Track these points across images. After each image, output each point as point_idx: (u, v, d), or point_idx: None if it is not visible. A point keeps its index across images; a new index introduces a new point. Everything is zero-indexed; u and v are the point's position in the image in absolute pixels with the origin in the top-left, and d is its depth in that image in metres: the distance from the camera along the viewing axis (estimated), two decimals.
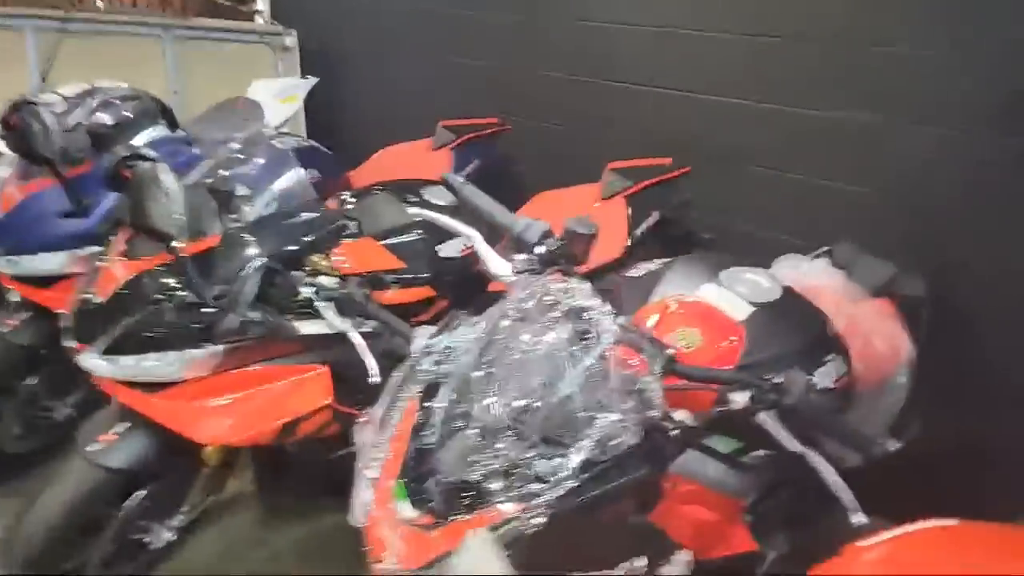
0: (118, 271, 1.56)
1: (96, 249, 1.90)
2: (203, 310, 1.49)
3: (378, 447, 1.08)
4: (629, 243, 2.25)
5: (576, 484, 0.94)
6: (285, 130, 3.21)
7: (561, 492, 0.93)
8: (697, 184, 2.57)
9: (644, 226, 2.34)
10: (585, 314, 1.04)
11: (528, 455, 0.96)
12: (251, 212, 1.68)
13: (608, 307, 1.06)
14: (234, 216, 1.67)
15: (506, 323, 1.06)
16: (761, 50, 2.51)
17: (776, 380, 1.08)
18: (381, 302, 1.73)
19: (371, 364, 1.53)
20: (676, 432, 1.08)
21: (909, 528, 0.74)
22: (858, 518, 1.07)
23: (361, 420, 1.14)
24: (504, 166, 3.06)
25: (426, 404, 1.07)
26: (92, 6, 4.23)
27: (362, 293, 1.67)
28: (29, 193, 2.04)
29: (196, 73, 4.04)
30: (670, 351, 1.14)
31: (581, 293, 1.06)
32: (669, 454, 1.11)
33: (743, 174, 2.56)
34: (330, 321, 1.66)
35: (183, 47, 4.01)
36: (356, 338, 1.64)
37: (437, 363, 1.10)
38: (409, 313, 1.79)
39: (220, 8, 4.63)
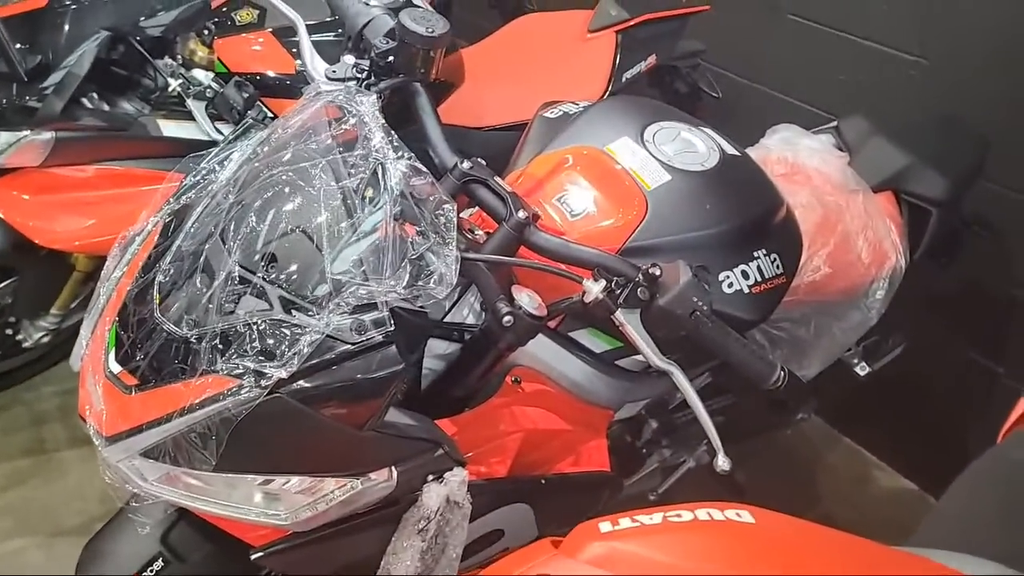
0: None
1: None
2: (22, 84, 1.23)
3: (109, 280, 0.84)
4: (610, 88, 1.88)
5: (308, 365, 0.69)
6: None
7: (287, 372, 0.69)
8: (717, 31, 2.13)
9: (634, 71, 1.96)
10: (370, 148, 0.74)
11: (259, 318, 0.71)
12: None
13: (394, 146, 0.75)
14: None
15: (273, 142, 0.77)
16: None
17: (651, 270, 0.79)
18: (275, 113, 1.46)
19: None
20: (508, 319, 0.81)
21: (677, 513, 0.48)
22: (722, 463, 0.82)
23: (116, 243, 0.89)
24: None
25: (165, 233, 0.81)
26: None
27: (243, 96, 1.39)
28: None
29: None
30: (522, 214, 0.85)
31: (377, 128, 0.75)
32: (497, 343, 0.85)
33: (775, 24, 2.08)
34: (200, 124, 1.40)
35: None
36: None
37: (201, 180, 0.83)
38: None
39: None
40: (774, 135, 1.53)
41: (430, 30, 0.83)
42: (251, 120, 1.22)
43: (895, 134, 1.49)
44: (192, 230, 0.78)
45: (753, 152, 1.40)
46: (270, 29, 1.51)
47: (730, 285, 0.96)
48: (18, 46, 1.23)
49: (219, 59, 1.46)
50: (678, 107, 2.13)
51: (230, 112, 1.40)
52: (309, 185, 0.74)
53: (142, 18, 1.34)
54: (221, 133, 1.42)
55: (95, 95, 1.40)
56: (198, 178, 0.84)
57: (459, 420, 0.92)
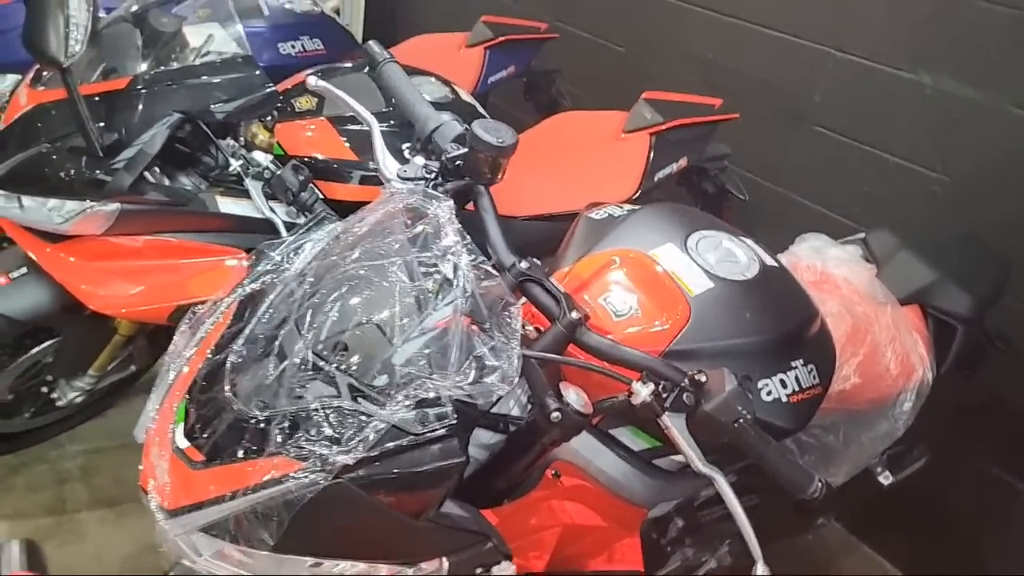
0: (22, 98, 1.38)
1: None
2: (95, 160, 1.30)
3: (179, 357, 0.88)
4: (642, 186, 1.96)
5: (375, 454, 0.72)
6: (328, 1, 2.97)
7: (352, 459, 0.71)
8: (745, 136, 2.23)
9: (666, 171, 2.04)
10: (443, 248, 0.79)
11: (327, 405, 0.74)
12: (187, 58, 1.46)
13: (468, 248, 0.80)
14: (173, 59, 1.47)
15: (349, 237, 0.83)
16: None
17: (697, 376, 0.83)
18: (330, 196, 1.53)
19: None
20: (557, 415, 0.84)
21: None
22: (761, 570, 0.83)
23: (188, 313, 0.93)
24: (542, 78, 2.75)
25: (241, 315, 0.86)
26: None
27: (298, 179, 1.46)
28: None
29: None
30: (575, 314, 0.89)
31: (452, 229, 0.81)
32: (543, 437, 0.88)
33: (800, 134, 2.18)
34: (255, 202, 1.47)
35: None
36: (280, 226, 1.45)
37: (274, 268, 0.88)
38: None
39: None
40: (803, 243, 1.58)
41: (500, 140, 0.89)
42: (324, 213, 1.28)
43: (922, 249, 1.55)
44: (266, 315, 0.83)
45: (782, 258, 1.46)
46: (326, 116, 1.59)
47: (769, 393, 0.99)
48: (97, 124, 1.31)
49: (278, 142, 1.53)
50: (706, 208, 2.22)
51: (285, 193, 1.47)
52: (383, 280, 0.79)
53: (212, 103, 1.42)
54: (275, 212, 1.48)
55: (158, 169, 1.47)
56: (271, 265, 0.89)
57: (499, 511, 0.94)
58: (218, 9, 1.53)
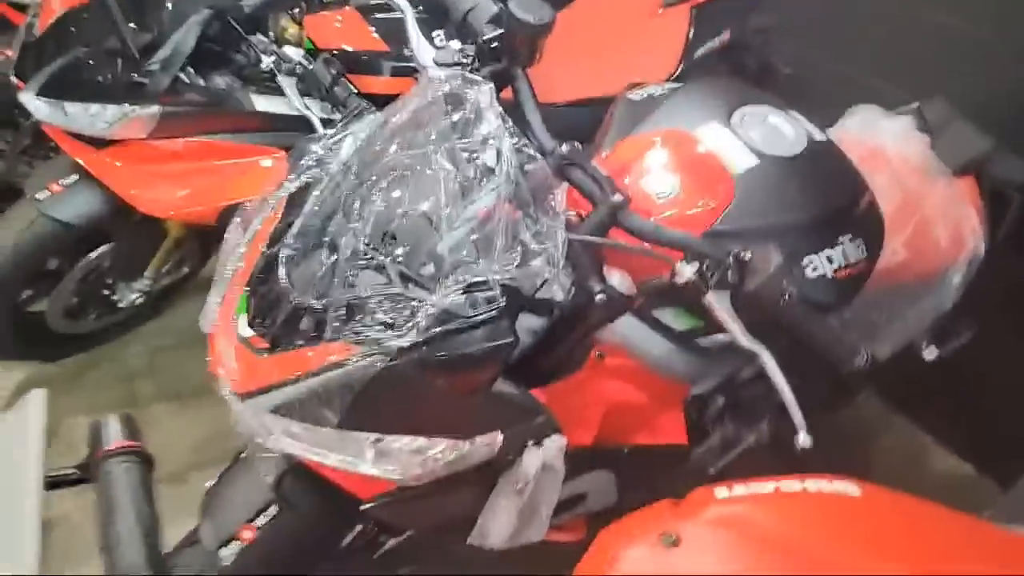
0: (54, 2, 1.37)
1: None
2: (131, 62, 1.30)
3: (237, 249, 0.91)
4: (681, 64, 1.89)
5: (427, 337, 0.75)
6: None
7: (407, 342, 0.75)
8: (791, 3, 2.10)
9: (707, 47, 1.95)
10: (485, 134, 0.78)
11: (380, 292, 0.77)
12: None
13: (509, 133, 0.79)
14: None
15: (390, 127, 0.82)
16: None
17: (742, 254, 0.83)
18: (361, 89, 1.51)
19: None
20: (601, 297, 0.86)
21: (788, 483, 0.52)
22: (803, 439, 0.86)
23: (236, 215, 0.96)
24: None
25: (291, 208, 0.88)
26: None
27: (331, 73, 1.44)
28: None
29: None
30: (617, 196, 0.89)
31: (492, 112, 0.80)
32: (587, 320, 0.90)
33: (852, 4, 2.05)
34: (290, 99, 1.46)
35: None
36: (315, 120, 1.45)
37: (316, 162, 0.89)
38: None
39: None
40: (854, 116, 1.52)
41: (538, 18, 0.86)
42: (362, 106, 1.27)
43: (976, 118, 1.48)
44: (315, 208, 0.84)
45: (832, 133, 1.41)
46: (354, 5, 1.55)
47: (814, 269, 0.99)
48: (129, 25, 1.30)
49: (308, 36, 1.51)
50: (749, 83, 2.12)
51: (318, 88, 1.45)
52: (427, 168, 0.79)
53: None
54: (309, 109, 1.47)
55: (192, 69, 1.46)
56: (315, 159, 0.89)
57: (547, 390, 0.97)
58: None
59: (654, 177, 1.03)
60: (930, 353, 1.66)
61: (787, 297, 0.82)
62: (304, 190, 0.88)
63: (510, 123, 0.81)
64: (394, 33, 1.54)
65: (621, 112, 1.18)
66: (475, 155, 0.79)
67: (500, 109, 0.81)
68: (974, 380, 1.92)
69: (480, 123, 0.80)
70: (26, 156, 1.94)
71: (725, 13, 1.96)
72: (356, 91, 1.49)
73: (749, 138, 1.04)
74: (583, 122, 1.32)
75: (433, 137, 0.80)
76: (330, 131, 0.93)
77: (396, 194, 0.80)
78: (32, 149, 1.94)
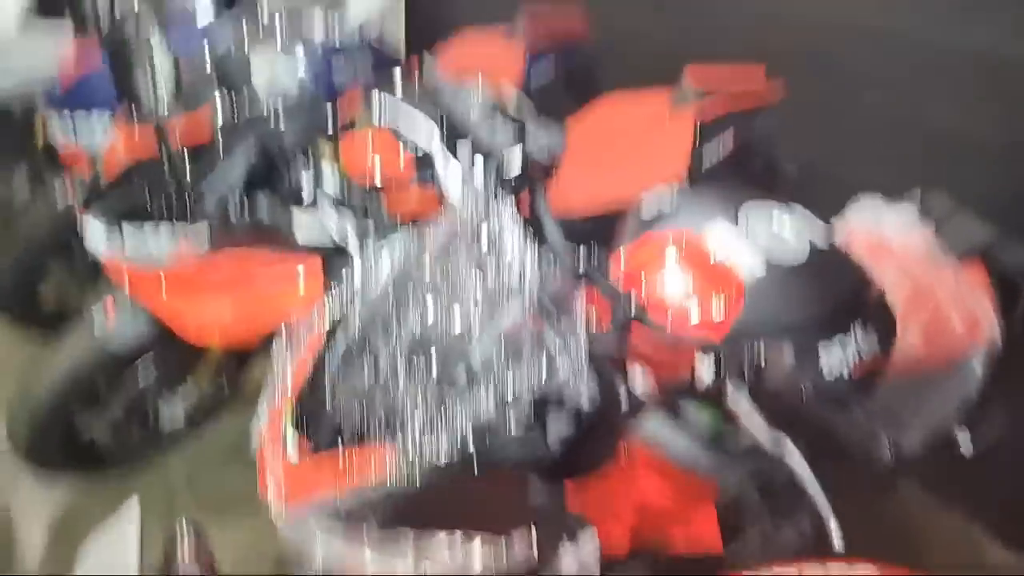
0: (120, 145, 1.52)
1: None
2: (186, 191, 1.42)
3: (284, 364, 0.98)
4: (689, 167, 1.99)
5: (462, 446, 0.80)
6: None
7: (444, 450, 0.80)
8: (793, 107, 2.22)
9: (713, 148, 2.06)
10: (507, 248, 0.86)
11: (418, 403, 0.83)
12: (260, 92, 1.58)
13: (530, 247, 0.87)
14: (238, 95, 1.58)
15: (422, 246, 0.90)
16: None
17: (757, 352, 0.88)
18: (392, 205, 1.61)
19: None
20: (624, 396, 0.91)
21: (810, 567, 0.55)
22: (836, 544, 0.88)
23: (281, 335, 1.03)
24: (589, 66, 2.77)
25: (329, 328, 0.95)
26: None
27: (364, 192, 1.56)
28: (83, 57, 2.02)
29: None
30: (632, 302, 0.95)
31: (504, 220, 0.88)
32: (613, 420, 0.94)
33: (853, 103, 2.17)
34: (327, 217, 1.57)
35: None
36: (353, 241, 1.55)
37: (356, 281, 0.97)
38: None
39: None
40: (857, 208, 1.59)
41: (549, 142, 0.96)
42: (395, 223, 1.36)
43: (978, 206, 1.54)
44: (355, 325, 0.91)
45: (837, 225, 1.47)
46: (385, 129, 1.68)
47: (830, 365, 1.03)
48: (185, 160, 1.43)
49: (343, 157, 1.63)
50: (756, 182, 2.22)
51: (353, 206, 1.56)
52: (457, 285, 0.86)
53: (280, 129, 1.53)
54: (345, 226, 1.58)
55: (239, 192, 1.58)
56: (353, 278, 0.97)
57: (578, 487, 1.00)
58: (276, 43, 1.64)
59: (667, 278, 1.09)
60: (965, 443, 1.66)
61: (805, 392, 0.86)
62: (346, 307, 0.96)
63: (529, 238, 0.88)
64: (424, 154, 1.66)
65: (634, 215, 1.25)
66: (500, 271, 0.86)
67: (519, 225, 0.89)
68: (1015, 468, 1.89)
69: (503, 240, 0.87)
70: (81, 282, 2.09)
71: (729, 117, 2.08)
72: (389, 208, 1.60)
73: (755, 240, 1.11)
74: (601, 226, 1.41)
75: (461, 255, 0.88)
76: (367, 250, 1.01)
77: (429, 310, 0.87)
78: (87, 275, 2.09)
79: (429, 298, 0.88)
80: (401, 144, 1.66)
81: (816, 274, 1.10)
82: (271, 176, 1.58)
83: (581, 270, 0.97)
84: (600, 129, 2.15)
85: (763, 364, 0.87)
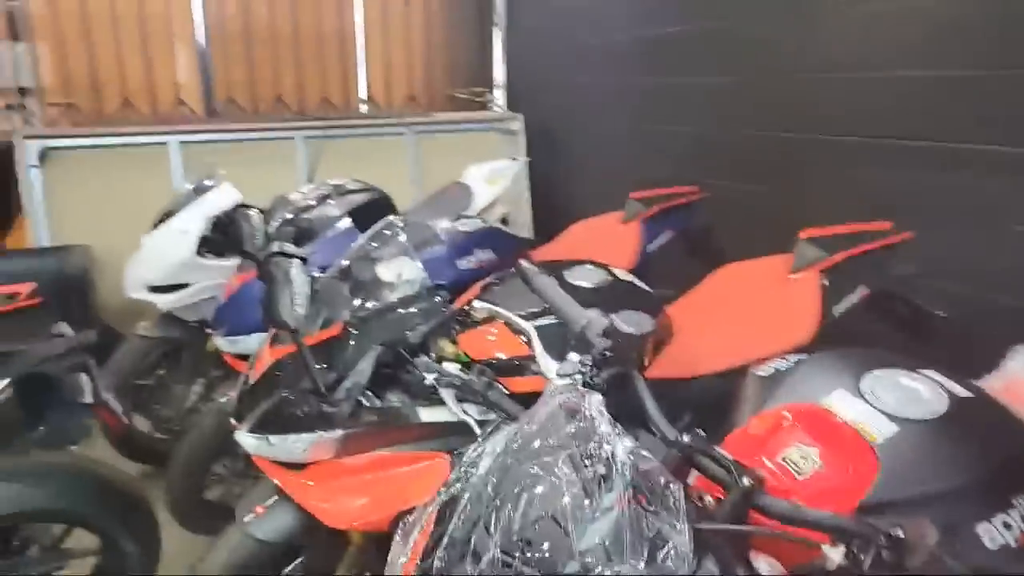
0: (265, 357, 1.70)
1: None
2: (321, 396, 1.55)
3: (395, 565, 0.99)
4: (819, 326, 1.91)
5: None
6: (496, 212, 3.35)
7: None
8: (934, 249, 2.11)
9: (845, 305, 1.97)
10: (599, 439, 0.86)
11: None
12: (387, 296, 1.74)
13: (619, 436, 0.86)
14: (374, 303, 1.75)
15: (520, 438, 0.92)
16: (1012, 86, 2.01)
17: (894, 531, 0.79)
18: (513, 390, 1.67)
19: None
20: None
21: None
22: None
23: (400, 525, 1.06)
24: (701, 235, 2.85)
25: (440, 522, 0.96)
26: (355, 112, 4.92)
27: (483, 380, 1.62)
28: (242, 283, 2.37)
29: (435, 162, 4.44)
30: (747, 480, 0.90)
31: (595, 412, 0.88)
32: None
33: (1000, 237, 2.03)
34: (451, 408, 1.64)
35: (425, 141, 4.44)
36: (474, 426, 1.60)
37: (463, 474, 0.99)
38: None
39: (459, 102, 5.10)
40: (1017, 355, 1.44)
41: (638, 330, 0.98)
42: (499, 418, 1.41)
43: None
44: (460, 519, 0.93)
45: (995, 378, 1.34)
46: (502, 320, 1.78)
47: (992, 539, 0.90)
48: (321, 366, 1.58)
49: (463, 351, 1.72)
50: (903, 332, 2.08)
51: (474, 395, 1.62)
52: (552, 475, 0.86)
53: (406, 331, 1.66)
54: (468, 414, 1.63)
55: (369, 392, 1.70)
56: (461, 471, 1.00)
57: None
58: (401, 246, 1.83)
59: (791, 452, 1.03)
60: None
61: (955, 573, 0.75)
62: (453, 501, 0.98)
63: (619, 428, 0.88)
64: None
65: (749, 388, 1.22)
66: (594, 459, 0.85)
67: (608, 416, 0.89)
68: None
69: (594, 430, 0.87)
70: (239, 481, 2.27)
71: (857, 271, 2.01)
72: (508, 392, 1.65)
73: (883, 404, 1.03)
74: (724, 393, 1.36)
75: (555, 445, 0.89)
76: (472, 445, 1.04)
77: (527, 501, 0.86)
78: (244, 475, 2.28)
79: (524, 487, 0.88)
80: (516, 333, 1.75)
81: (960, 429, 0.99)
82: (397, 370, 1.69)
83: (688, 447, 0.94)
84: (722, 294, 2.14)
85: (902, 542, 0.78)
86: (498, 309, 1.33)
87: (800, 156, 2.78)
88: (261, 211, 2.47)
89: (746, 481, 0.89)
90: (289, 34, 4.67)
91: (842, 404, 1.05)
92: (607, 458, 0.84)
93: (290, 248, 1.66)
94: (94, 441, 2.87)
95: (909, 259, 2.12)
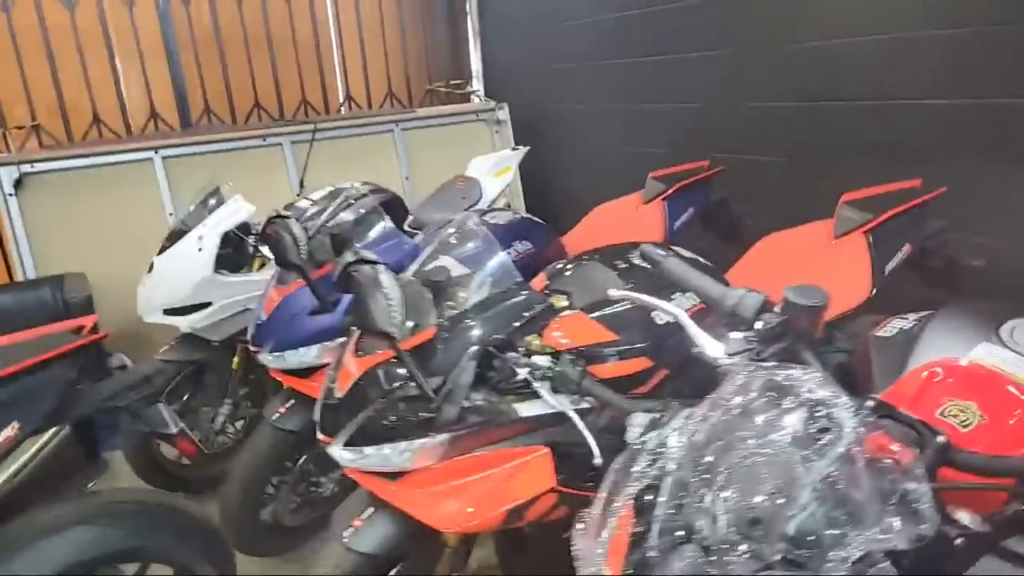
0: (352, 368, 1.67)
1: (342, 340, 2.07)
2: (425, 401, 1.54)
3: (594, 557, 1.00)
4: (874, 285, 1.97)
5: None
6: (500, 203, 3.34)
7: None
8: (966, 201, 2.20)
9: (894, 263, 2.05)
10: (820, 408, 0.88)
11: None
12: (466, 297, 1.73)
13: (845, 398, 0.88)
14: (451, 304, 1.73)
15: (723, 419, 0.93)
16: None
17: None
18: (599, 376, 1.68)
19: (592, 443, 1.49)
20: (961, 540, 0.87)
21: None
22: None
23: (578, 527, 1.07)
24: (722, 210, 2.90)
25: (642, 513, 0.97)
26: (337, 114, 4.83)
27: (576, 370, 1.63)
28: (284, 296, 2.31)
29: (423, 156, 4.40)
30: (940, 437, 0.93)
31: (812, 383, 0.90)
32: (955, 568, 0.90)
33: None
34: (547, 400, 1.64)
35: (411, 135, 4.39)
36: (574, 416, 1.60)
37: (651, 462, 1.00)
38: (629, 385, 1.71)
39: (440, 95, 5.05)
40: None
41: (816, 300, 1.00)
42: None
43: None
44: (667, 505, 0.94)
45: None
46: (580, 308, 1.79)
47: None
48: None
49: (548, 344, 1.73)
50: (942, 284, 2.16)
51: (567, 385, 1.63)
52: (770, 450, 0.88)
53: (499, 328, 1.65)
54: (564, 404, 1.64)
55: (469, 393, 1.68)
56: (647, 460, 1.01)
57: None
58: (482, 243, 1.83)
59: (948, 408, 1.07)
60: None
61: None
62: (649, 489, 0.98)
63: (847, 398, 0.90)
64: (618, 323, 1.75)
65: (879, 351, 1.25)
66: (811, 430, 0.87)
67: (833, 384, 0.91)
68: None
69: (807, 399, 0.89)
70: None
71: (899, 229, 2.08)
72: (596, 379, 1.66)
73: None
74: None
75: (761, 422, 0.90)
76: (646, 438, 1.05)
77: (749, 479, 0.88)
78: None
79: (737, 466, 0.89)
80: (596, 319, 1.76)
81: None
82: (488, 372, 1.69)
83: (872, 410, 0.96)
84: (769, 264, 2.19)
85: None
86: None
87: (810, 124, 2.85)
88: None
89: (940, 439, 0.93)
90: (262, 40, 4.55)
91: (990, 356, 1.09)
92: (825, 422, 0.86)
93: (368, 255, 1.63)
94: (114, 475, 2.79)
95: (936, 217, 2.20)
